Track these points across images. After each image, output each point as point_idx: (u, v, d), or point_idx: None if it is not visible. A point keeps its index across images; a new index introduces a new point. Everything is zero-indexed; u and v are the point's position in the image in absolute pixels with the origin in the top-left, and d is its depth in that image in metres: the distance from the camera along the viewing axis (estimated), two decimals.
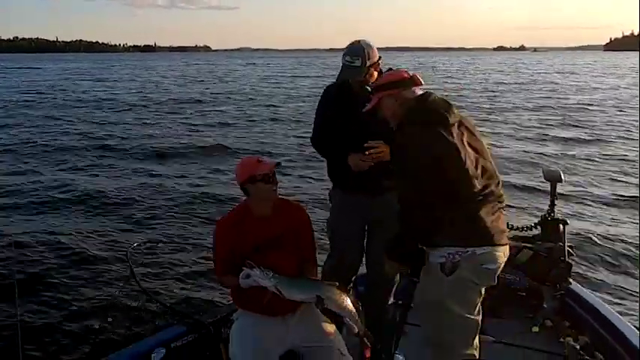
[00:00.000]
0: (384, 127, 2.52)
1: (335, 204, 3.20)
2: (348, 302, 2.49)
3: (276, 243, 2.62)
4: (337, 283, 2.54)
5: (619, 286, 5.31)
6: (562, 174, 3.72)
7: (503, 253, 2.38)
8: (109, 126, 16.91)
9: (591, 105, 22.17)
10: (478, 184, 2.27)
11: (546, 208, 3.72)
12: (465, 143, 2.31)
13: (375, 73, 2.90)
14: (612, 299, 4.83)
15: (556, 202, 3.68)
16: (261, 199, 2.61)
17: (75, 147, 13.13)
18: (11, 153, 12.39)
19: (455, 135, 2.29)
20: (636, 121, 16.32)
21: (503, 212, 2.41)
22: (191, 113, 20.05)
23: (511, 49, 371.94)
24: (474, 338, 2.45)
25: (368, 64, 2.85)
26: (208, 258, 5.41)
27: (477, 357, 2.48)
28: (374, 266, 3.10)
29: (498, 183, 2.39)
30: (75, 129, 16.19)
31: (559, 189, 3.77)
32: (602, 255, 6.19)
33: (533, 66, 65.60)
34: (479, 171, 2.30)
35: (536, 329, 3.43)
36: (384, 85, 2.45)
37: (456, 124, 2.33)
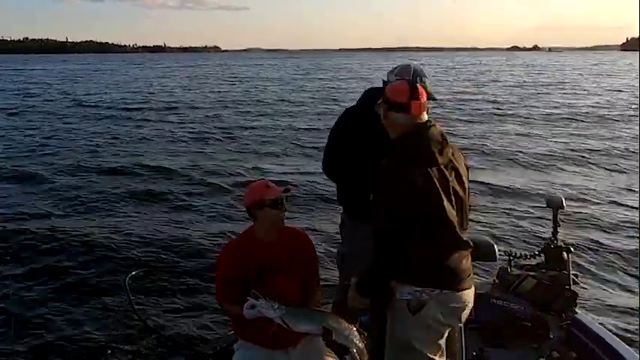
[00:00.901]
0: None
1: (345, 231, 3.16)
2: (354, 334, 2.48)
3: (281, 268, 2.62)
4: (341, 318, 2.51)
5: (625, 312, 5.26)
6: (564, 200, 3.70)
7: (471, 295, 2.40)
8: (99, 137, 16.42)
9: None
10: (454, 229, 2.28)
11: (549, 235, 3.71)
12: (450, 186, 2.29)
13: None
14: (619, 325, 4.79)
15: (559, 228, 3.67)
16: (268, 224, 2.61)
17: (68, 167, 12.46)
18: None
19: (442, 176, 2.27)
20: None
21: (469, 258, 2.42)
22: (192, 123, 19.55)
23: (525, 49, 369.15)
24: None
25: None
26: (208, 287, 5.46)
27: None
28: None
29: (466, 229, 2.40)
30: (62, 143, 15.58)
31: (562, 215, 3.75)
32: (607, 279, 6.16)
33: (554, 66, 64.47)
34: (456, 216, 2.30)
35: None
36: (383, 94, 2.40)
37: (447, 164, 2.31)
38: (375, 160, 2.69)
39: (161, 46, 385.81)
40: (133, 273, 3.61)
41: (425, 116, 2.35)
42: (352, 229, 3.05)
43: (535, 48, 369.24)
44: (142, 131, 17.64)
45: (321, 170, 3.22)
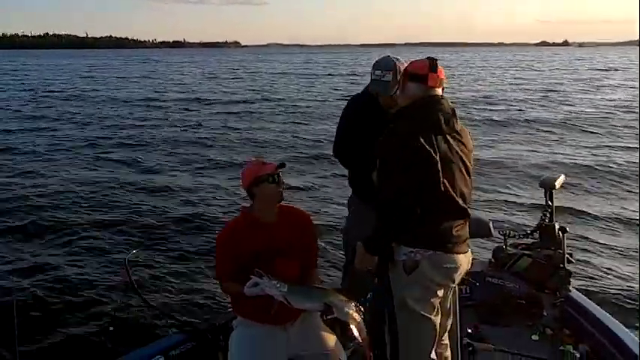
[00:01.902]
0: None
1: (353, 212, 3.26)
2: (354, 312, 2.54)
3: (280, 249, 2.66)
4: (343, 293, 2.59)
5: (619, 292, 5.33)
6: (558, 180, 3.77)
7: (465, 259, 2.52)
8: (105, 129, 16.93)
9: None
10: (453, 196, 2.40)
11: (545, 215, 3.78)
12: (454, 155, 2.41)
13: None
14: (612, 305, 4.86)
15: (549, 208, 3.74)
16: (267, 200, 2.65)
17: (69, 152, 13.21)
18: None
19: (446, 145, 2.39)
20: None
21: (466, 225, 2.53)
22: (203, 114, 20.01)
23: (554, 44, 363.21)
24: (434, 338, 2.54)
25: (399, 78, 2.84)
26: (207, 265, 5.60)
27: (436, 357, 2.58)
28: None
29: (467, 201, 2.51)
30: (70, 132, 16.29)
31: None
32: (601, 260, 6.21)
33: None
34: (457, 185, 2.42)
35: (536, 337, 3.50)
36: (404, 70, 2.59)
37: (452, 134, 2.43)
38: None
39: (180, 42, 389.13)
40: (134, 251, 3.71)
41: (439, 91, 2.48)
42: (359, 210, 3.16)
43: (565, 43, 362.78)
44: (152, 121, 18.28)
45: (324, 155, 3.35)
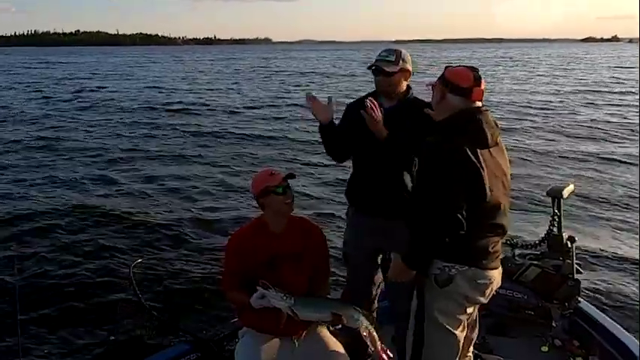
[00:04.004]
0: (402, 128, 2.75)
1: (349, 224, 3.31)
2: (364, 319, 2.59)
3: (290, 259, 2.70)
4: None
5: (629, 303, 5.31)
6: (565, 190, 3.77)
7: (498, 275, 2.55)
8: (115, 129, 17.07)
9: None
10: (495, 212, 2.42)
11: (553, 225, 3.78)
12: (498, 169, 2.43)
13: (405, 84, 3.02)
14: (623, 316, 4.85)
15: (557, 218, 3.75)
16: (276, 211, 2.69)
17: (76, 156, 13.27)
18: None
19: (491, 159, 2.41)
20: None
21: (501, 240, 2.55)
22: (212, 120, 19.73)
23: (602, 40, 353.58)
24: (458, 353, 2.56)
25: (401, 65, 2.95)
26: (213, 274, 5.64)
27: None
28: (394, 301, 3.15)
29: (507, 215, 2.51)
30: (76, 135, 16.28)
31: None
32: (611, 270, 6.19)
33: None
34: (500, 200, 2.43)
35: (545, 349, 3.53)
36: (442, 77, 2.50)
37: (495, 148, 2.45)
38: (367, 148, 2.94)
39: (211, 39, 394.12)
40: (138, 261, 3.75)
41: (480, 103, 2.46)
42: (354, 222, 3.22)
43: (614, 39, 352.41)
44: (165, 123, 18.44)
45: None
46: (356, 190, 3.14)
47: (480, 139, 2.39)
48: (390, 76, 2.96)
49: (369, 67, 3.04)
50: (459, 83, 2.43)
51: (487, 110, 2.47)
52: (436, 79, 2.53)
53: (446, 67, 2.55)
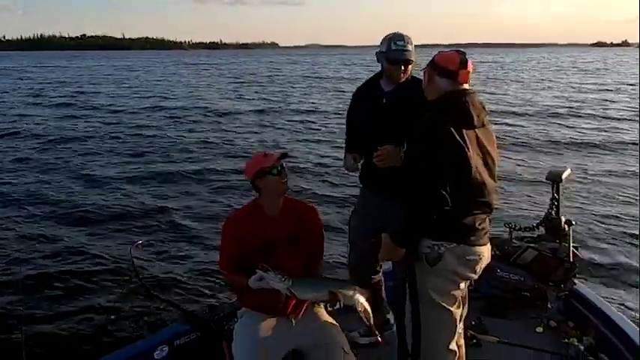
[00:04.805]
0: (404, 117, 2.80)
1: (358, 201, 3.42)
2: (360, 297, 2.63)
3: (286, 242, 2.73)
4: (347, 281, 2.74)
5: (624, 284, 5.36)
6: (565, 173, 3.83)
7: (487, 251, 2.61)
8: (116, 126, 17.41)
9: None
10: (481, 190, 2.49)
11: (551, 208, 3.85)
12: (483, 149, 2.50)
13: (409, 71, 3.07)
14: (616, 298, 4.89)
15: (556, 202, 3.80)
16: (271, 193, 2.71)
17: (79, 147, 13.74)
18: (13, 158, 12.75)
19: (477, 140, 2.48)
20: None
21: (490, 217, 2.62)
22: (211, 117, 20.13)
23: (612, 44, 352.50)
24: (455, 329, 2.63)
25: (413, 51, 3.03)
26: (211, 255, 5.75)
27: (459, 353, 2.67)
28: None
29: (492, 194, 2.57)
30: (83, 129, 16.85)
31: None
32: (606, 253, 6.26)
33: None
34: (485, 179, 2.50)
35: (540, 330, 3.59)
36: (432, 60, 2.59)
37: (481, 129, 2.52)
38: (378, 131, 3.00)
39: (217, 43, 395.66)
40: (138, 242, 3.74)
41: (467, 86, 2.55)
42: (362, 198, 3.35)
43: (624, 43, 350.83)
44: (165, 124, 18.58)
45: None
46: (369, 173, 3.20)
47: (466, 120, 2.46)
48: (410, 64, 3.04)
49: (389, 59, 3.06)
50: (446, 66, 2.53)
51: (474, 93, 2.54)
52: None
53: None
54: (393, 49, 3.05)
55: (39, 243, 6.75)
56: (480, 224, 2.54)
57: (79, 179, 10.40)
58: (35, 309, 4.93)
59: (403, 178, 2.53)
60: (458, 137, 2.39)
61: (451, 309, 2.58)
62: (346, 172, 3.33)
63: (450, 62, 2.53)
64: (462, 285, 2.61)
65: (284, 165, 2.73)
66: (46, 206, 8.47)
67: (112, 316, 4.55)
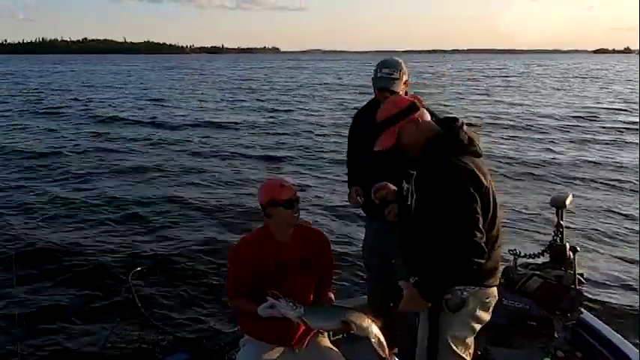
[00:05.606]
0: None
1: (367, 232, 3.43)
2: (373, 327, 2.58)
3: (296, 267, 2.72)
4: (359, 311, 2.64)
5: (632, 313, 5.29)
6: (569, 199, 3.79)
7: (496, 290, 2.56)
8: (113, 140, 17.06)
9: None
10: (498, 227, 2.41)
11: (555, 235, 3.80)
12: (490, 182, 2.37)
13: (403, 91, 3.06)
14: (625, 327, 4.78)
15: (560, 228, 3.76)
16: (282, 223, 2.69)
17: (78, 161, 13.51)
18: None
19: (483, 167, 2.37)
20: None
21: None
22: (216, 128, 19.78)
23: (614, 51, 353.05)
24: None
25: (403, 78, 3.03)
26: (213, 282, 5.71)
27: None
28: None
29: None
30: (77, 142, 16.56)
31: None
32: (613, 280, 6.20)
33: None
34: (498, 212, 2.40)
35: None
36: (402, 112, 2.44)
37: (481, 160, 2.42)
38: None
39: (219, 47, 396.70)
40: (138, 269, 3.79)
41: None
42: (371, 228, 3.35)
43: (626, 50, 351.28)
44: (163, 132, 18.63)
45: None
46: (372, 203, 3.11)
47: (474, 149, 2.39)
48: (395, 93, 3.01)
49: (375, 86, 3.09)
50: (410, 103, 2.46)
51: (458, 120, 2.45)
52: (389, 128, 2.46)
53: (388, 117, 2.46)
54: (379, 77, 3.06)
55: (34, 266, 6.59)
56: (497, 263, 2.47)
57: (79, 194, 10.25)
58: (30, 338, 4.79)
59: (416, 231, 2.41)
60: (477, 171, 2.28)
61: (464, 356, 2.51)
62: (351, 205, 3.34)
63: (406, 99, 2.52)
64: (477, 330, 2.52)
65: (299, 199, 2.70)
66: (41, 220, 8.38)
67: (109, 345, 4.49)
